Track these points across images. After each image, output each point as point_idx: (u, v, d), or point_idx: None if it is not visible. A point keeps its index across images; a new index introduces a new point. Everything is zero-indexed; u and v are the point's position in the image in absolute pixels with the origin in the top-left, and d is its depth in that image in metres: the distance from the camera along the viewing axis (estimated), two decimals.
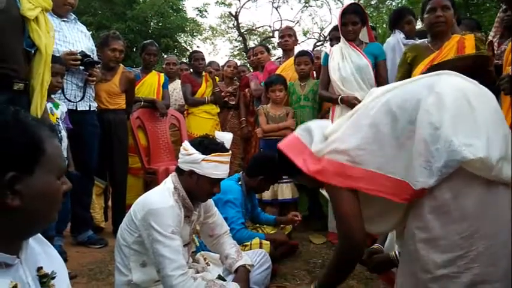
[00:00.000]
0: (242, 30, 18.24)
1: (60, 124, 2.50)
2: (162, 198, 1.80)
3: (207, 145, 1.86)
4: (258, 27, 18.78)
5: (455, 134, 1.32)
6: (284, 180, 3.38)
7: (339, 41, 3.39)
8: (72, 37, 2.92)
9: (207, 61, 4.50)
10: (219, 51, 22.03)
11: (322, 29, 18.58)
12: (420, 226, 1.41)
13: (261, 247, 2.39)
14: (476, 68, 2.18)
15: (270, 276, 2.29)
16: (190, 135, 4.02)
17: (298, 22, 18.32)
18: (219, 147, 1.88)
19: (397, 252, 2.08)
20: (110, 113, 3.30)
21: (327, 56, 3.08)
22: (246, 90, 4.23)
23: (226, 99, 4.28)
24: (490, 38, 3.23)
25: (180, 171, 1.90)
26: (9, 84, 1.92)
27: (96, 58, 3.04)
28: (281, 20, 17.88)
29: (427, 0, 2.52)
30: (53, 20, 2.70)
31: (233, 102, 4.32)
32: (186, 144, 1.89)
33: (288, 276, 2.53)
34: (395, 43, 3.14)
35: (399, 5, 13.92)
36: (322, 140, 1.64)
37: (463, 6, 9.50)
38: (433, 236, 1.37)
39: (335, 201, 1.54)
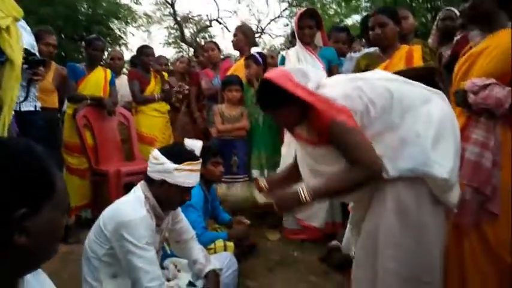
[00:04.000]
0: (178, 19, 17.83)
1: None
2: (133, 208, 1.76)
3: (178, 154, 1.84)
4: (195, 16, 18.48)
5: (434, 149, 1.48)
6: (239, 179, 3.43)
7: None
8: None
9: None
10: (154, 39, 21.26)
11: (259, 21, 18.76)
12: (381, 224, 1.57)
13: (225, 249, 2.43)
14: (424, 78, 2.38)
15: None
16: (140, 134, 3.92)
17: (235, 13, 18.35)
18: (190, 156, 1.87)
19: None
20: (44, 111, 3.09)
21: (283, 57, 3.17)
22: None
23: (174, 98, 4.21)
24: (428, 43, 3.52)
25: (149, 180, 1.86)
26: None
27: (38, 54, 2.85)
28: (218, 10, 17.80)
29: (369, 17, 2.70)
30: None
31: (180, 97, 4.24)
32: (156, 153, 1.86)
33: (250, 275, 2.60)
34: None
35: (333, 1, 14.42)
36: (316, 87, 1.59)
37: (392, 6, 10.13)
38: (393, 235, 1.54)
39: (349, 136, 1.49)
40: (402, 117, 1.54)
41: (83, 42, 3.84)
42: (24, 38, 2.77)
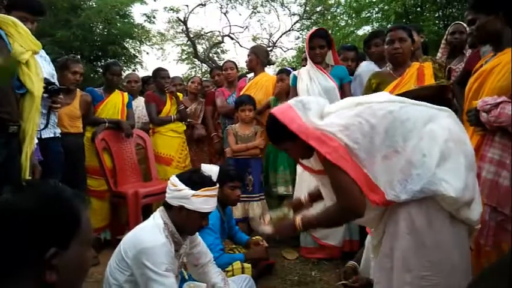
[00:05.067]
0: (191, 35, 18.10)
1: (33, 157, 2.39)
2: (153, 235, 1.80)
3: (196, 180, 1.89)
4: (207, 32, 18.73)
5: (439, 167, 1.48)
6: (254, 198, 3.45)
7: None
8: None
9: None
10: (168, 56, 21.53)
11: (271, 35, 18.89)
12: (396, 246, 1.57)
13: (243, 272, 2.44)
14: (436, 96, 2.39)
15: None
16: (157, 154, 3.99)
17: (247, 28, 18.54)
18: (207, 182, 1.91)
19: None
20: (70, 136, 3.24)
21: (295, 77, 3.20)
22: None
23: (190, 120, 4.32)
24: (437, 57, 3.52)
25: (168, 206, 1.91)
26: (4, 127, 1.85)
27: (57, 83, 2.96)
28: (230, 26, 18.06)
29: (386, 31, 2.71)
30: None
31: (198, 123, 4.35)
32: (174, 179, 1.90)
33: None
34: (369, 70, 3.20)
35: (344, 13, 14.46)
36: (318, 117, 1.67)
37: (404, 16, 10.11)
38: (408, 258, 1.54)
39: (334, 175, 1.58)
40: (406, 138, 1.54)
41: (101, 67, 3.95)
42: (44, 67, 2.88)
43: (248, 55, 4.03)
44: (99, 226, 3.66)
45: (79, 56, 12.46)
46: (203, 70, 19.78)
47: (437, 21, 9.81)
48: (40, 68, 2.09)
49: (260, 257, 2.72)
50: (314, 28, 3.23)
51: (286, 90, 3.49)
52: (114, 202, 3.65)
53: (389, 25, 11.12)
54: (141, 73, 15.30)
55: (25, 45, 1.94)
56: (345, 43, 13.01)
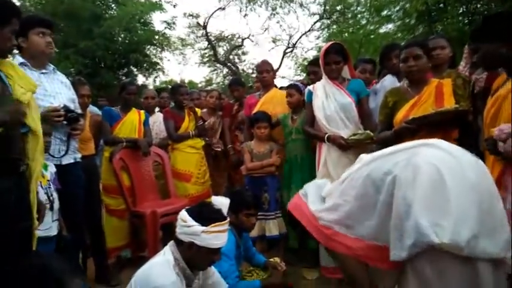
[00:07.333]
0: (211, 39, 18.20)
1: (51, 186, 2.43)
2: (163, 273, 1.80)
3: (206, 215, 1.87)
4: (227, 36, 18.79)
5: (424, 214, 1.39)
6: (270, 216, 3.41)
7: (316, 75, 3.44)
8: (53, 89, 2.83)
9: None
10: (189, 60, 21.68)
11: (290, 37, 18.80)
12: None
13: None
14: (456, 120, 2.29)
15: None
16: (176, 170, 3.99)
17: (266, 30, 18.53)
18: (218, 216, 1.89)
19: None
20: (83, 159, 3.16)
21: (310, 93, 3.13)
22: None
23: (213, 147, 4.35)
24: (460, 67, 3.34)
25: (178, 242, 1.90)
26: (16, 166, 1.87)
27: (78, 109, 2.98)
28: (249, 28, 18.10)
29: (401, 48, 2.61)
30: (32, 73, 2.62)
31: (219, 149, 4.35)
32: (184, 215, 1.89)
33: None
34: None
35: (364, 11, 14.17)
36: (319, 201, 1.85)
37: (426, 13, 9.81)
38: None
39: (340, 262, 1.77)
40: (391, 193, 1.51)
41: (124, 74, 3.95)
42: (64, 93, 2.92)
43: (268, 71, 3.92)
44: (119, 245, 3.70)
45: (102, 65, 12.61)
46: (224, 72, 19.93)
47: (460, 18, 9.45)
48: (37, 108, 2.09)
49: (277, 284, 2.67)
50: (329, 43, 3.11)
51: (295, 105, 3.46)
52: (133, 221, 3.68)
53: (411, 22, 10.85)
54: (163, 79, 15.50)
55: (25, 86, 1.96)
56: (367, 42, 12.82)
